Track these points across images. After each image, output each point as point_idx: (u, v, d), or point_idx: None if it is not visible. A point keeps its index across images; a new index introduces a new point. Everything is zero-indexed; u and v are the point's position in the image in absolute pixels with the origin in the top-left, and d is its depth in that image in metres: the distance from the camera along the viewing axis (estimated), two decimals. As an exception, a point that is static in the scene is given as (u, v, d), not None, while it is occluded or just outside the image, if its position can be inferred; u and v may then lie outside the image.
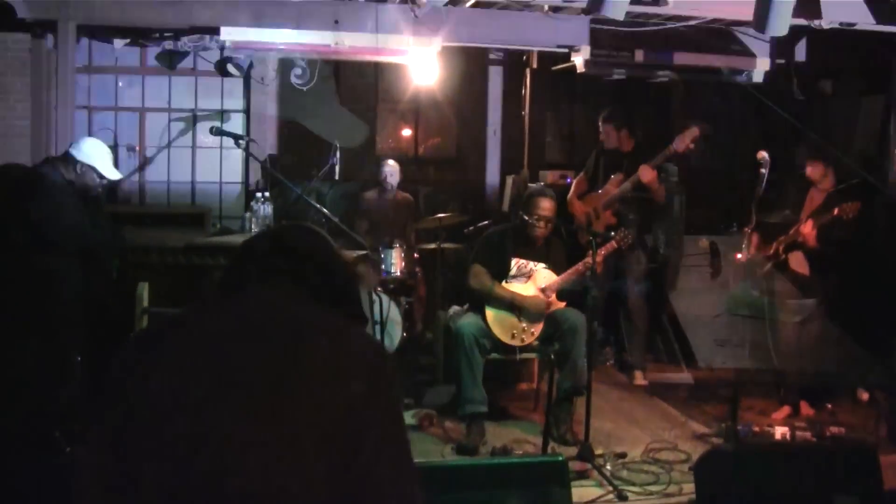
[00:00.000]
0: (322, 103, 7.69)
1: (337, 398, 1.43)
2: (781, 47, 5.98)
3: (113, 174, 4.47)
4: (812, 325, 4.86)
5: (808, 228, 5.03)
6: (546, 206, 4.94)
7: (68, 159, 4.29)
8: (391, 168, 6.85)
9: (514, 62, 7.80)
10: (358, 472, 1.41)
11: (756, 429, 4.80)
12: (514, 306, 4.87)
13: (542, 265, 5.02)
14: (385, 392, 1.49)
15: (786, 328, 4.88)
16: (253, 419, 1.41)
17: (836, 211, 4.85)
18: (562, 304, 4.95)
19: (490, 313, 4.87)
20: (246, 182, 7.53)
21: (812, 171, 5.23)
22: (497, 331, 4.84)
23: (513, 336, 4.86)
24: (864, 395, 5.48)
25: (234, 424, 1.40)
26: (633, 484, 4.02)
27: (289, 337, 1.49)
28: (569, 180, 6.87)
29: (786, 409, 5.22)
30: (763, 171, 4.83)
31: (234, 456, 1.39)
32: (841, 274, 5.09)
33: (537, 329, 4.88)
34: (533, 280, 4.99)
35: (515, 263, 5.02)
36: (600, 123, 6.13)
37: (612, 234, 5.01)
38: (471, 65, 7.74)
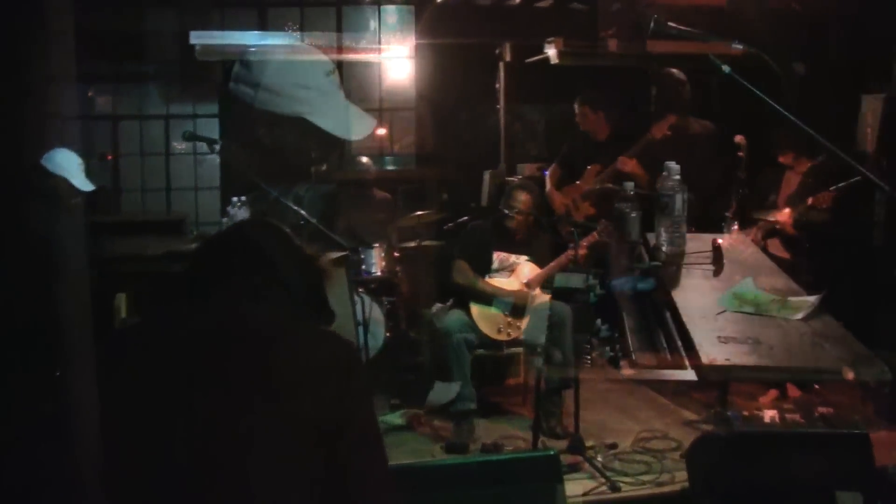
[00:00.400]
0: (326, 100, 7.61)
1: (310, 398, 1.42)
2: (772, 35, 5.95)
3: (85, 185, 4.40)
4: (815, 322, 4.87)
5: (784, 216, 5.05)
6: (523, 199, 4.92)
7: (40, 171, 4.22)
8: (365, 166, 6.81)
9: (487, 56, 7.77)
10: (334, 470, 1.41)
11: (745, 413, 4.81)
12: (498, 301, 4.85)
13: (524, 258, 5.00)
14: (357, 390, 1.48)
15: (787, 324, 4.88)
16: (226, 422, 1.39)
17: (809, 200, 4.89)
18: (547, 297, 4.92)
19: (475, 308, 4.84)
20: (221, 187, 7.46)
21: (784, 159, 5.26)
22: (483, 326, 4.81)
23: (499, 331, 4.83)
24: (850, 374, 5.49)
25: (206, 428, 1.39)
26: (626, 474, 4.01)
27: (257, 340, 1.48)
28: (545, 172, 6.84)
29: (773, 392, 5.21)
30: (741, 154, 4.82)
31: (208, 458, 1.37)
32: (831, 264, 5.08)
33: (523, 323, 4.86)
34: (516, 274, 4.96)
35: (497, 257, 4.99)
36: (576, 105, 6.09)
37: (597, 226, 4.98)
38: (445, 60, 7.70)
